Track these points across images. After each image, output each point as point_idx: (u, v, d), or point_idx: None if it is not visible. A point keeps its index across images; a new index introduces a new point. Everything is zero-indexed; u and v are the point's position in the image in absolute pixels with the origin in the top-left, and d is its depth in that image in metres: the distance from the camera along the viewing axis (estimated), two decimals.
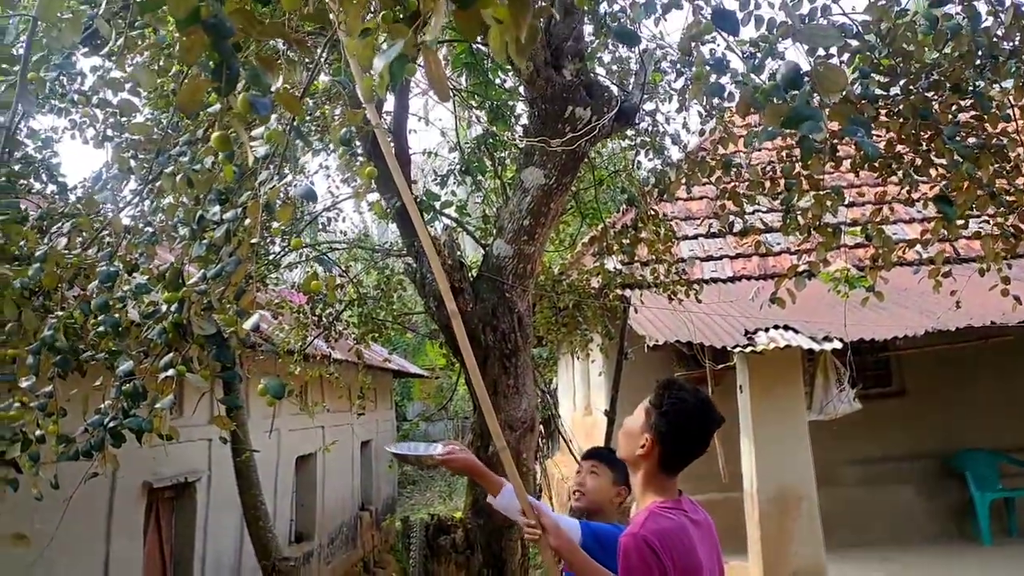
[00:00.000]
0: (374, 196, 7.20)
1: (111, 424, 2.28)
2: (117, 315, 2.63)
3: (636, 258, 6.75)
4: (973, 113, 3.94)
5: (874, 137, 3.34)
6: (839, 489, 8.43)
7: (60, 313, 2.78)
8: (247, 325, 2.07)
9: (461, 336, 2.29)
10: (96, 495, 6.75)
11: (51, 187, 4.35)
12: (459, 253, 4.95)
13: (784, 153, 4.64)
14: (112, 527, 6.94)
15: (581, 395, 12.67)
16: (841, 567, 7.28)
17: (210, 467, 8.70)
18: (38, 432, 2.62)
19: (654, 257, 6.31)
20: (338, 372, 7.64)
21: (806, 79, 1.78)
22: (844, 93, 2.71)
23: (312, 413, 7.77)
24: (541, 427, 6.47)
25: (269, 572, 6.62)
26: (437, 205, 6.17)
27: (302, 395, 10.78)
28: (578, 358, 7.98)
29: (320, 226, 7.31)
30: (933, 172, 4.17)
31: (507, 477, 4.37)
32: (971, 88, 3.78)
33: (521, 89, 5.69)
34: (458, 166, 6.61)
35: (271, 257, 6.42)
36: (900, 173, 4.28)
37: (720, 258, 9.57)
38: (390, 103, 5.39)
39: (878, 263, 4.20)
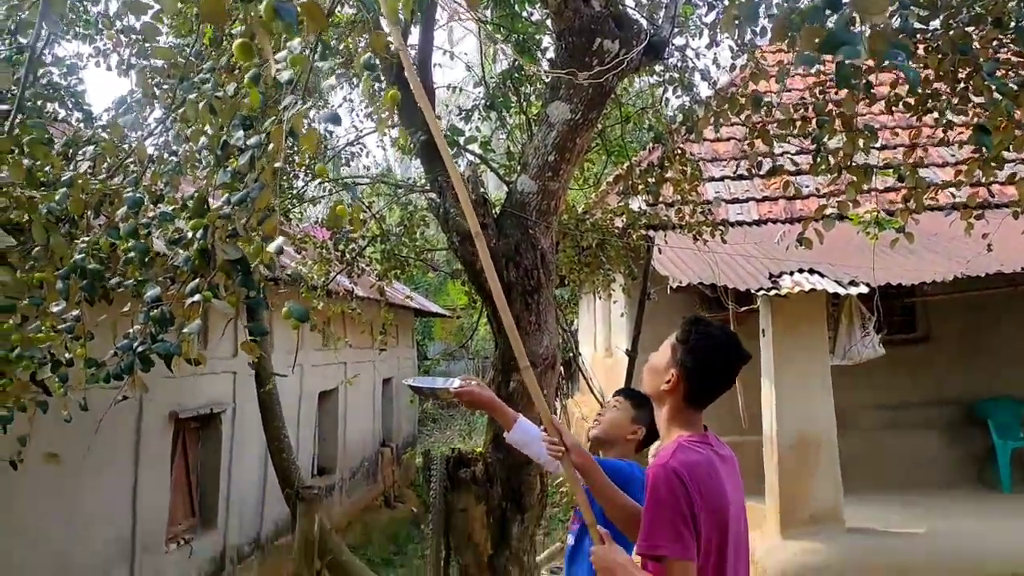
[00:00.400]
0: (396, 133, 7.15)
1: (140, 348, 2.30)
2: (144, 241, 2.64)
3: (661, 198, 6.67)
4: (1015, 50, 3.81)
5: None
6: (860, 434, 8.44)
7: (88, 239, 2.80)
8: (271, 248, 2.07)
9: (484, 255, 2.27)
10: (124, 423, 6.91)
11: (76, 115, 4.35)
12: (483, 189, 4.91)
13: (817, 90, 4.53)
14: (140, 454, 7.12)
15: (602, 336, 12.69)
16: (860, 510, 7.32)
17: (234, 399, 8.86)
18: (67, 356, 2.66)
19: (679, 197, 6.23)
20: (360, 308, 7.69)
21: (845, 4, 1.72)
22: (884, 16, 2.61)
23: (337, 343, 7.85)
24: (562, 368, 6.47)
25: (293, 499, 6.76)
26: (461, 141, 6.10)
27: (325, 331, 10.91)
28: (600, 296, 7.96)
29: (343, 160, 7.28)
30: (970, 112, 4.05)
31: (528, 406, 4.40)
32: (1013, 23, 3.64)
33: (548, 22, 5.57)
34: (483, 101, 6.52)
35: (294, 191, 6.41)
36: (936, 112, 4.17)
37: (746, 201, 9.44)
38: (415, 37, 5.30)
39: (909, 204, 4.12)
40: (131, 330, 2.45)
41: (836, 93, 4.37)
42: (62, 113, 4.29)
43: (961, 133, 4.44)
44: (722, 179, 9.73)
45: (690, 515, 2.04)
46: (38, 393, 2.75)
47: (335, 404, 12.49)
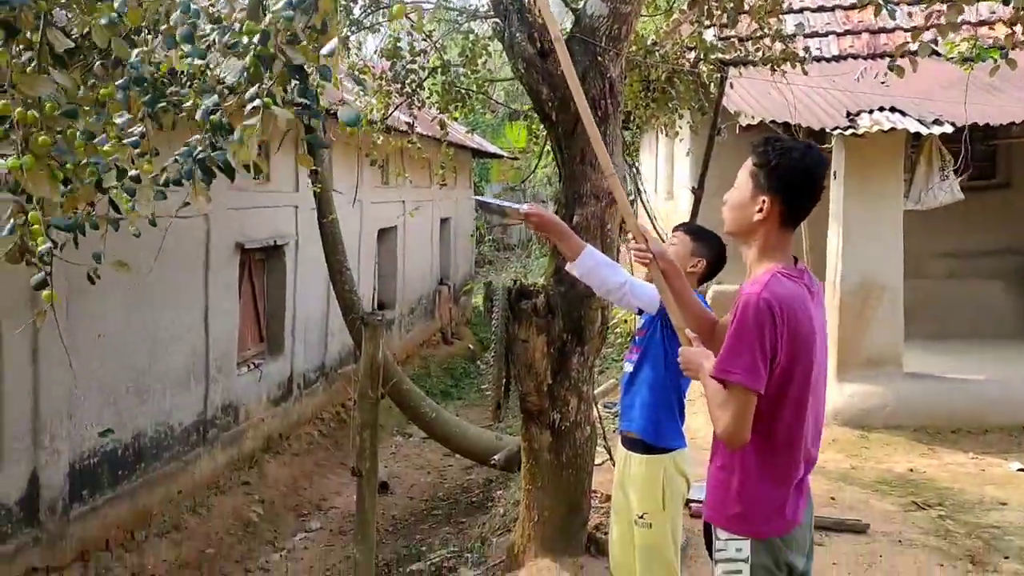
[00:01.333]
0: None
1: (200, 156, 2.27)
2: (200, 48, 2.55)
3: (735, 33, 6.30)
4: None
5: None
6: (927, 280, 8.27)
7: (145, 49, 2.72)
8: (325, 51, 1.98)
9: (566, 62, 2.15)
10: (195, 252, 7.11)
11: None
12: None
13: None
14: (210, 281, 7.36)
15: (663, 178, 12.43)
16: (920, 356, 7.27)
17: (297, 232, 9.02)
18: (133, 172, 2.66)
19: (757, 27, 5.85)
20: (420, 144, 7.60)
21: None
22: None
23: (399, 176, 7.82)
24: None
25: (357, 326, 6.93)
26: None
27: (384, 167, 10.88)
28: (666, 134, 7.70)
29: None
30: None
31: (591, 239, 4.34)
32: None
33: None
34: None
35: (352, 16, 6.19)
36: None
37: (826, 35, 8.87)
38: None
39: (1016, 28, 3.78)
40: (191, 139, 2.42)
41: None
42: None
43: None
44: (801, 11, 9.13)
45: (771, 349, 2.04)
46: (108, 209, 2.77)
47: (394, 241, 12.66)
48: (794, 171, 2.14)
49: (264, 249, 8.62)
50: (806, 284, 2.18)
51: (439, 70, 6.84)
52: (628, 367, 3.40)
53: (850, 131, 6.42)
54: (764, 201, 2.16)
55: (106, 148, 2.55)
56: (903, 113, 6.54)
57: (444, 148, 7.22)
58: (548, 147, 7.26)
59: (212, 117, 2.20)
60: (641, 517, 3.16)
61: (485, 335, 16.25)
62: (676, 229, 3.48)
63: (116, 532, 6.25)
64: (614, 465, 4.98)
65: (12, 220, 2.03)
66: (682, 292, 2.45)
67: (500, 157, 18.64)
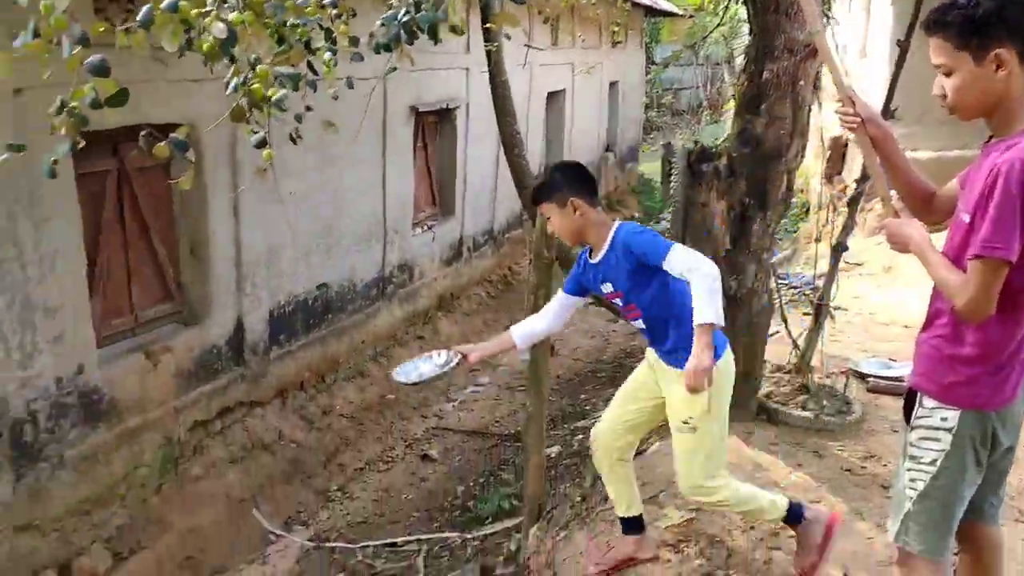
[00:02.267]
0: None
1: (404, 19, 2.30)
2: None
3: None
4: None
5: None
6: None
7: None
8: None
9: None
10: (373, 115, 7.31)
11: None
12: None
13: None
14: (387, 143, 7.60)
15: (857, 33, 11.44)
16: None
17: (468, 96, 9.06)
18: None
19: None
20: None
21: None
22: None
23: (575, 29, 7.61)
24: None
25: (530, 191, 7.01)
26: None
27: (555, 26, 10.61)
28: None
29: None
30: None
31: (778, 99, 4.11)
32: None
33: None
34: None
35: None
36: None
37: None
38: None
39: None
40: (392, 1, 2.44)
41: None
42: None
43: None
44: None
45: None
46: (307, 73, 2.88)
47: (562, 106, 12.48)
48: (1001, 5, 1.90)
49: (436, 112, 8.75)
50: None
51: None
52: (638, 324, 3.00)
53: None
54: (996, 55, 1.92)
55: (308, 9, 2.63)
56: None
57: (620, 3, 6.93)
58: (729, 3, 6.83)
59: None
60: (685, 423, 2.82)
61: (650, 204, 15.98)
62: (535, 205, 3.10)
63: (308, 375, 6.84)
64: (789, 335, 4.88)
65: (235, 78, 2.15)
66: (890, 157, 2.28)
67: (674, 15, 17.69)
